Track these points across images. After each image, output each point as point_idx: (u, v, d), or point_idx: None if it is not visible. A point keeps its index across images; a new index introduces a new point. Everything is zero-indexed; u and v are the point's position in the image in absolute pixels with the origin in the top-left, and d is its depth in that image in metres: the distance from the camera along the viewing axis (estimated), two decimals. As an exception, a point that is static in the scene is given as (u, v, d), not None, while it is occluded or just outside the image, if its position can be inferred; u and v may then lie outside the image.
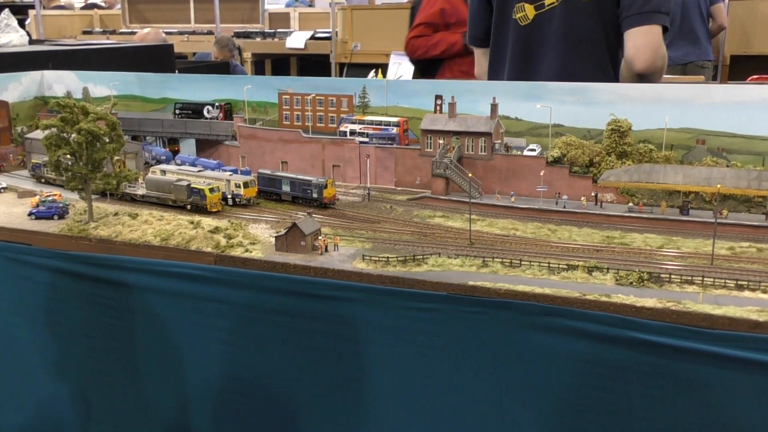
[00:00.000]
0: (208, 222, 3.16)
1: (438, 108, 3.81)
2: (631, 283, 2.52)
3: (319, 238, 2.92)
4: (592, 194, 3.41)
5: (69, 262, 3.14)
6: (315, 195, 3.50)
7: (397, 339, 2.66)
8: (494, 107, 3.62)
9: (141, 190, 3.63)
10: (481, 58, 4.66)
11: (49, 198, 3.47)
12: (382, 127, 3.93)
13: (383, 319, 2.66)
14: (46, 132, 3.15)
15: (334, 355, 2.78)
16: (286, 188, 3.60)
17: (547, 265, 2.66)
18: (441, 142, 3.68)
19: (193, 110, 4.44)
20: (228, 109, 4.38)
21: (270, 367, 2.94)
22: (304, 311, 2.78)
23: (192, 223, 3.14)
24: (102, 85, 4.69)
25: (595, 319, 2.38)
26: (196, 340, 3.02)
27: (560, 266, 2.65)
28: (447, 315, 2.57)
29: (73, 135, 3.09)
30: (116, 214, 3.29)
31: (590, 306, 2.41)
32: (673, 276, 2.53)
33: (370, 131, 3.94)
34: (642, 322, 2.33)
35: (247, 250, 2.92)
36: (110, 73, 4.65)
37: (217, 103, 4.37)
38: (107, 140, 3.14)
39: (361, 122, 3.98)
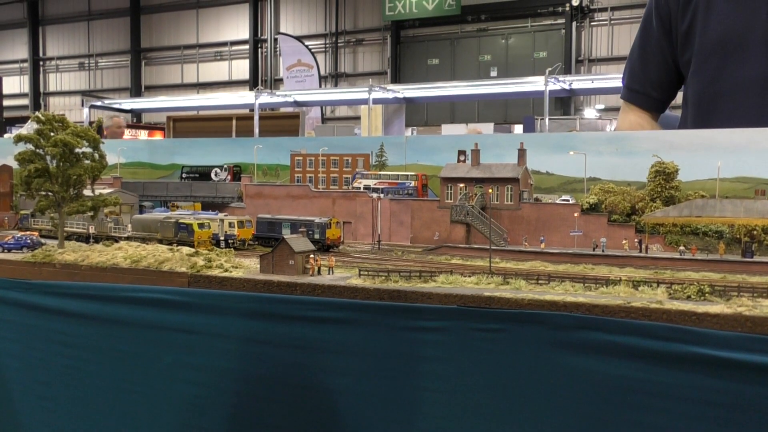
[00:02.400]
0: (189, 250, 2.75)
1: (461, 162, 3.45)
2: (689, 296, 2.00)
3: (311, 257, 2.48)
4: (636, 241, 2.93)
5: (26, 293, 2.73)
6: (317, 236, 3.09)
7: (396, 368, 2.14)
8: (522, 153, 3.24)
9: (127, 233, 3.27)
10: (630, 114, 3.54)
11: (24, 236, 3.13)
12: (399, 181, 3.57)
13: (378, 344, 2.15)
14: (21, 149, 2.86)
15: (319, 394, 2.26)
16: (286, 231, 3.20)
17: (582, 282, 2.17)
18: (461, 186, 3.29)
19: (201, 173, 4.16)
20: (237, 172, 4.08)
21: (244, 413, 2.40)
22: (285, 339, 2.29)
23: (171, 250, 2.74)
24: (110, 151, 4.47)
25: (644, 331, 1.86)
26: (160, 381, 2.53)
27: (598, 283, 2.15)
28: (457, 335, 2.06)
29: (48, 149, 2.78)
30: (90, 241, 2.91)
31: (638, 315, 1.90)
32: (743, 290, 2.02)
33: (386, 186, 3.57)
34: (705, 332, 1.80)
35: (226, 271, 2.49)
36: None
37: (225, 165, 4.09)
38: (86, 159, 2.82)
39: (376, 177, 3.63)
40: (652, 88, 3.43)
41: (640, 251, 2.89)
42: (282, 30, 29.19)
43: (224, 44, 31.70)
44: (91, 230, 3.29)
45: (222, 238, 3.15)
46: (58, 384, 2.72)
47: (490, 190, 3.21)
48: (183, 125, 15.25)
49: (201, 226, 3.01)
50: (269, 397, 2.35)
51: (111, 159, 4.43)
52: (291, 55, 24.08)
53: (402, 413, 2.13)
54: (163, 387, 2.52)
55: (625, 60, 3.66)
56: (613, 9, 24.94)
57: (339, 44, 29.48)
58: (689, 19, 3.14)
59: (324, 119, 24.46)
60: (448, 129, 20.19)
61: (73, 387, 2.69)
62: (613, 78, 14.73)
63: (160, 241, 3.11)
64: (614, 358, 1.87)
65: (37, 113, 2.85)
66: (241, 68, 31.37)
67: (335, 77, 29.38)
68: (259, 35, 30.92)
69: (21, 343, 2.78)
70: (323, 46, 29.63)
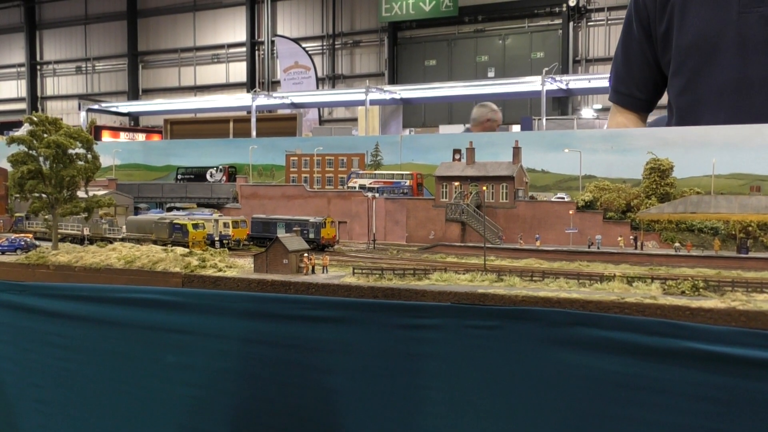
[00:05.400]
0: (183, 250, 2.74)
1: (456, 161, 3.45)
2: (683, 291, 2.00)
3: (305, 256, 2.47)
4: (631, 238, 2.93)
5: (20, 295, 2.72)
6: (312, 235, 3.09)
7: (390, 366, 2.13)
8: (516, 151, 3.24)
9: (122, 235, 3.26)
10: (618, 116, 3.58)
11: (18, 238, 3.12)
12: (394, 180, 3.57)
13: (372, 342, 2.15)
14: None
15: (315, 393, 2.25)
16: (281, 231, 3.19)
17: (576, 278, 2.17)
18: (456, 184, 3.28)
19: (196, 174, 4.15)
20: (232, 172, 4.08)
21: (241, 413, 2.40)
22: (280, 338, 2.28)
23: (165, 251, 2.73)
24: (105, 153, 4.46)
25: (638, 326, 1.85)
26: (155, 382, 2.52)
27: (592, 279, 2.15)
28: (451, 332, 2.05)
29: (41, 151, 2.77)
30: (84, 242, 2.90)
31: (632, 311, 1.89)
32: (737, 285, 2.01)
33: (381, 185, 3.56)
34: (699, 327, 1.80)
35: (220, 271, 2.48)
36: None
37: (220, 166, 4.08)
38: (79, 160, 2.81)
39: (371, 176, 3.62)
40: (637, 89, 3.46)
41: (636, 248, 2.89)
42: (279, 32, 29.16)
43: (221, 47, 31.67)
44: (86, 232, 3.28)
45: (216, 238, 3.14)
46: (53, 386, 2.71)
47: (485, 188, 3.20)
48: (180, 128, 15.19)
49: (195, 226, 3.00)
50: (264, 396, 2.35)
51: (106, 161, 4.44)
52: (288, 57, 24.06)
53: (397, 410, 2.12)
54: (158, 387, 2.51)
55: None
56: (610, 9, 24.93)
57: (336, 46, 29.46)
58: (666, 21, 3.17)
59: (321, 121, 24.44)
60: (445, 130, 20.18)
61: (68, 388, 2.68)
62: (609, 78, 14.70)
63: (155, 242, 3.10)
64: (608, 354, 1.86)
65: (30, 115, 2.84)
66: (239, 71, 31.34)
67: (332, 79, 29.35)
68: (256, 37, 30.89)
69: (15, 345, 2.77)
70: (320, 47, 29.61)
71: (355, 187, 3.62)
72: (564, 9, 25.17)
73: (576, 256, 2.84)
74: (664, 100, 3.57)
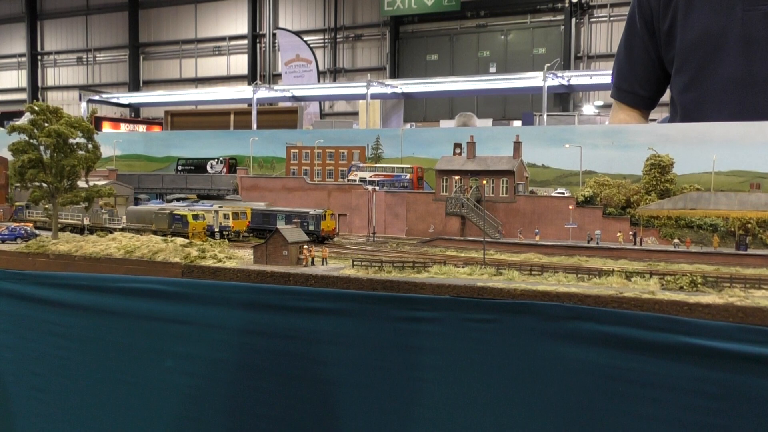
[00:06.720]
0: (183, 240, 2.75)
1: (457, 155, 3.45)
2: (681, 287, 2.00)
3: (305, 248, 2.48)
4: (630, 234, 2.93)
5: (20, 283, 2.73)
6: (312, 227, 3.09)
7: (388, 358, 2.14)
8: (517, 145, 3.24)
9: (122, 225, 3.27)
10: (620, 113, 3.62)
11: (18, 227, 3.12)
12: (395, 174, 3.57)
13: (371, 334, 2.15)
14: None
15: (313, 384, 2.25)
16: (281, 223, 3.20)
17: (574, 272, 2.17)
18: (457, 178, 3.28)
19: (197, 166, 4.15)
20: (232, 164, 4.08)
21: (239, 404, 2.40)
22: (279, 329, 2.29)
23: (165, 241, 2.73)
24: (106, 144, 4.46)
25: (636, 321, 1.86)
26: (153, 372, 2.52)
27: (591, 274, 2.15)
28: (450, 325, 2.06)
29: (42, 140, 2.77)
30: (84, 232, 2.90)
31: (629, 305, 1.90)
32: (735, 282, 2.02)
33: (381, 178, 3.57)
34: (697, 322, 1.80)
35: (220, 261, 2.48)
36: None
37: (221, 158, 4.09)
38: (80, 150, 2.81)
39: (372, 169, 3.62)
40: (640, 86, 3.47)
41: (635, 244, 2.90)
42: (281, 25, 29.11)
43: (223, 39, 31.64)
44: (86, 222, 3.28)
45: (217, 229, 3.14)
46: (52, 374, 2.72)
47: (485, 183, 3.20)
48: (181, 120, 15.19)
49: (195, 217, 3.00)
50: (263, 387, 2.35)
51: (107, 151, 4.44)
52: (289, 50, 24.01)
53: (396, 403, 2.13)
54: (156, 377, 2.51)
55: None
56: (613, 6, 24.91)
57: (338, 39, 29.44)
58: (670, 18, 3.17)
59: (322, 115, 24.42)
60: (446, 125, 20.16)
61: (67, 378, 2.69)
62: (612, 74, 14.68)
63: (155, 233, 3.10)
64: (606, 348, 1.87)
65: (30, 104, 2.84)
66: (240, 63, 31.32)
67: (334, 72, 29.34)
68: (257, 30, 30.87)
69: (14, 333, 2.77)
70: (322, 41, 29.59)
71: (355, 180, 3.62)
72: (566, 5, 25.15)
73: (575, 251, 2.85)
74: (666, 97, 3.58)
